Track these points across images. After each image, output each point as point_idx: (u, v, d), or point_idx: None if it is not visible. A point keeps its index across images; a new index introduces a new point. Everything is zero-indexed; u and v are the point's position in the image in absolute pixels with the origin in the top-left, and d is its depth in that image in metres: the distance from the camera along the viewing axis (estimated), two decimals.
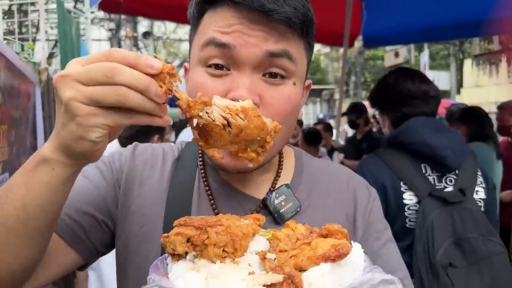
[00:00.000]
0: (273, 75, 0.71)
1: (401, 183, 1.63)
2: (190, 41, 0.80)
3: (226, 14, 0.70)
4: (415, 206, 1.61)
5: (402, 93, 1.75)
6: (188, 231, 0.56)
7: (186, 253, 0.57)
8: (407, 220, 1.62)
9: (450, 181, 1.66)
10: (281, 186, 0.83)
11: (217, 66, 0.71)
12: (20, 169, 0.62)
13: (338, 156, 3.84)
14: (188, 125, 2.95)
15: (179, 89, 0.57)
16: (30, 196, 0.59)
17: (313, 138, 4.76)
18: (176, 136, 4.17)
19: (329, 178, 0.90)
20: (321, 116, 17.15)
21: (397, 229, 1.63)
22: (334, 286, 0.52)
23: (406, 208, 1.61)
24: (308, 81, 0.84)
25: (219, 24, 0.70)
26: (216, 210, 0.80)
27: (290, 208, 0.81)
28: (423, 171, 1.65)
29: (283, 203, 0.81)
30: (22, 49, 2.92)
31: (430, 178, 1.64)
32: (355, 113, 4.71)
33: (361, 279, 0.53)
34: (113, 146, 2.84)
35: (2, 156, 1.97)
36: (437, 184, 1.64)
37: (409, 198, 1.62)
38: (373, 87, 1.97)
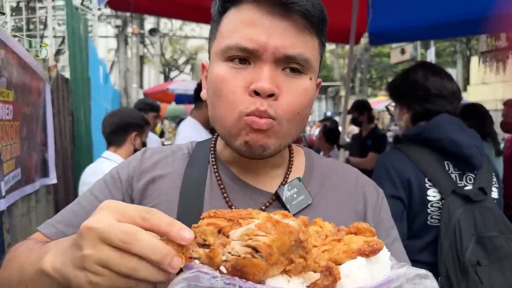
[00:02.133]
0: (292, 69, 0.75)
1: (426, 179, 1.62)
2: (211, 38, 0.83)
3: (248, 11, 0.73)
4: (438, 203, 1.61)
5: (430, 90, 1.73)
6: (220, 222, 0.56)
7: None
8: (429, 217, 1.61)
9: (470, 179, 1.66)
10: (293, 179, 0.86)
11: (239, 60, 0.74)
12: (24, 263, 0.66)
13: (343, 153, 3.85)
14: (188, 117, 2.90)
15: (194, 248, 0.55)
16: None
17: (333, 136, 4.72)
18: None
19: (339, 175, 0.92)
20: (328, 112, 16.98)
21: (417, 226, 1.63)
22: (368, 279, 0.54)
23: (429, 205, 1.61)
24: (319, 79, 0.87)
25: (241, 23, 0.73)
26: (229, 203, 0.82)
27: (301, 200, 0.83)
28: (446, 168, 1.65)
29: (295, 195, 0.83)
30: (30, 46, 2.96)
31: (453, 176, 1.64)
32: (357, 110, 4.73)
33: (397, 273, 0.54)
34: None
35: (15, 151, 2.01)
36: (458, 182, 1.64)
37: (433, 194, 1.61)
38: (394, 79, 1.90)
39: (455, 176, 1.64)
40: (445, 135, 1.63)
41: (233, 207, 0.82)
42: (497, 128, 3.70)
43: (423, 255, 1.62)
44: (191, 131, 3.34)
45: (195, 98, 3.35)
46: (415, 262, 1.58)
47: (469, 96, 15.50)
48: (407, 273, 0.54)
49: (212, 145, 0.92)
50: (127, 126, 2.59)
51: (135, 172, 0.88)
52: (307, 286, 0.52)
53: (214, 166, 0.87)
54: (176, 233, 0.51)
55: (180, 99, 12.13)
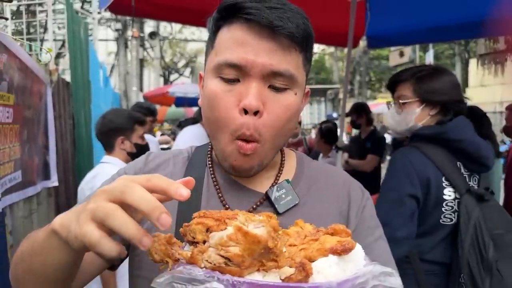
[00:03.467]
0: (277, 87, 0.81)
1: (443, 178, 1.67)
2: (207, 51, 0.89)
3: (239, 31, 0.80)
4: (451, 202, 1.66)
5: (457, 92, 1.81)
6: (208, 221, 0.61)
7: (204, 241, 0.61)
8: (442, 216, 1.66)
9: (475, 180, 1.72)
10: (282, 181, 0.92)
11: (230, 80, 0.81)
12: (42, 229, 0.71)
13: (342, 155, 3.87)
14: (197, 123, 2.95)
15: (181, 250, 0.60)
16: (46, 261, 0.68)
17: (331, 136, 4.68)
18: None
19: (327, 178, 0.98)
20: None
21: (430, 224, 1.67)
22: (339, 276, 0.58)
23: (444, 204, 1.66)
24: (307, 89, 0.93)
25: (232, 41, 0.80)
26: (224, 202, 0.89)
27: (289, 201, 0.90)
28: (459, 168, 1.70)
29: (283, 196, 0.90)
30: (30, 49, 2.99)
31: (465, 176, 1.70)
32: (356, 113, 4.76)
33: (364, 270, 0.59)
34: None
35: (14, 154, 2.04)
36: (467, 182, 1.70)
37: (448, 194, 1.66)
38: (424, 76, 1.82)
39: (466, 176, 1.70)
40: (466, 136, 1.69)
41: (227, 206, 0.88)
42: (496, 130, 3.74)
43: (434, 253, 1.67)
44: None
45: None
46: (426, 262, 1.66)
47: (468, 98, 15.56)
48: (373, 271, 0.58)
49: (209, 149, 0.99)
50: (110, 132, 2.51)
51: (140, 173, 0.94)
52: (281, 280, 0.56)
53: (211, 169, 0.94)
54: (174, 191, 0.57)
55: (180, 102, 12.16)
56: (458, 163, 1.70)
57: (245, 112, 0.79)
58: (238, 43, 0.80)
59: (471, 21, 3.25)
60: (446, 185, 1.66)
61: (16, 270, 0.76)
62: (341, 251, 0.59)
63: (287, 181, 0.92)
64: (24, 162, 2.18)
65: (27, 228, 2.18)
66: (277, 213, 0.88)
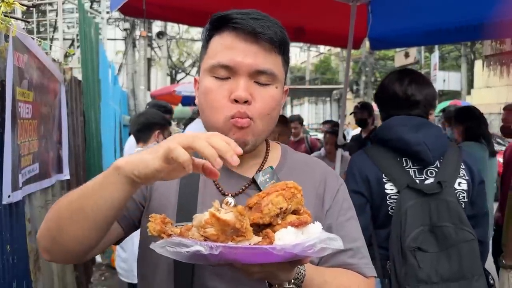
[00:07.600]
0: (261, 83, 0.98)
1: (383, 175, 1.78)
2: (201, 57, 1.06)
3: (228, 38, 0.98)
4: (395, 195, 1.75)
5: (389, 94, 1.91)
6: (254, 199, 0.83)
7: None
8: (389, 208, 1.77)
9: (431, 173, 1.78)
10: (266, 167, 1.08)
11: (222, 78, 0.98)
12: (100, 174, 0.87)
13: (343, 153, 3.96)
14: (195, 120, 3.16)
15: (172, 227, 0.79)
16: (101, 196, 0.83)
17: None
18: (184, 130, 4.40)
19: (307, 166, 1.14)
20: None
21: (381, 217, 1.79)
22: (293, 241, 0.76)
23: (387, 197, 1.77)
24: (286, 87, 1.10)
25: (223, 46, 0.97)
26: (217, 185, 1.05)
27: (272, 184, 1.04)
28: (404, 164, 1.79)
29: (267, 180, 1.05)
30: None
31: (411, 171, 1.78)
32: (367, 111, 4.85)
33: (313, 236, 0.77)
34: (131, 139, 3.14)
35: (33, 147, 2.17)
36: (417, 176, 1.77)
37: (390, 188, 1.76)
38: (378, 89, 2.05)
39: (414, 171, 1.78)
40: (394, 135, 1.80)
41: (221, 188, 1.04)
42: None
43: (387, 242, 1.78)
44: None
45: None
46: (383, 249, 1.80)
47: (473, 99, 15.56)
48: (320, 236, 0.77)
49: None
50: (151, 125, 3.06)
51: None
52: (252, 245, 0.75)
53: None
54: (230, 157, 0.75)
55: (186, 101, 12.29)
56: (404, 159, 1.79)
57: (236, 101, 0.95)
58: (228, 47, 0.97)
59: (474, 24, 3.25)
60: (386, 180, 1.78)
61: (59, 218, 0.89)
62: (298, 224, 0.79)
63: (271, 167, 1.08)
64: (41, 156, 2.31)
65: (43, 217, 2.31)
66: None
